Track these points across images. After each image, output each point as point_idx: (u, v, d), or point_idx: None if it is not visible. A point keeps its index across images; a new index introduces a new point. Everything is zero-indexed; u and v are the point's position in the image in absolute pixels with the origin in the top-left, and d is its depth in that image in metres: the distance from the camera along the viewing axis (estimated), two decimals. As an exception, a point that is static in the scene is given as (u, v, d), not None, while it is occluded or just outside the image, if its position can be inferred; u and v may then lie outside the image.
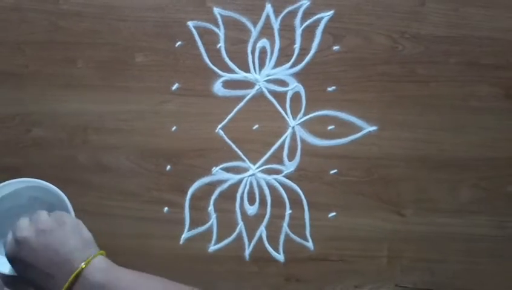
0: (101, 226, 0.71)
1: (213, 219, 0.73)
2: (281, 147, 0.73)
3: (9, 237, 0.51)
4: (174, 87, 0.72)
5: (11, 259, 0.50)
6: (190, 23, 0.72)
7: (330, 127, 0.73)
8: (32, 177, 0.58)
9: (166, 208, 0.73)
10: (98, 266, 0.48)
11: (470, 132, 0.73)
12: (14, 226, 0.51)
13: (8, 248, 0.50)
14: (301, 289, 0.73)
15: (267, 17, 0.72)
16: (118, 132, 0.72)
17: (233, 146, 0.73)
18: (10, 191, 0.57)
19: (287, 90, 0.73)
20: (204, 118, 0.73)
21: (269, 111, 0.73)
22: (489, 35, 0.73)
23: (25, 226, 0.50)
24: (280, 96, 0.73)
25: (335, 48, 0.73)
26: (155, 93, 0.72)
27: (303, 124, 0.73)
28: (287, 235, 0.73)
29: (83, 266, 0.47)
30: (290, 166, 0.73)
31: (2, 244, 0.57)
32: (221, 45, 0.73)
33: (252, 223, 0.73)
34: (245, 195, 0.73)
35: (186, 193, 0.73)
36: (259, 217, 0.73)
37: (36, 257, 0.48)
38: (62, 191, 0.56)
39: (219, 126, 0.73)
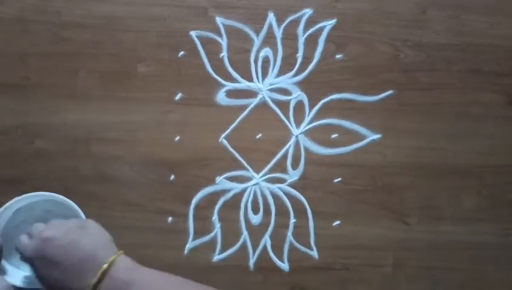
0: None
1: (217, 229, 0.73)
2: (285, 155, 0.73)
3: (28, 238, 0.50)
4: (177, 97, 0.72)
5: (34, 258, 0.49)
6: (192, 33, 0.72)
7: (333, 136, 0.73)
8: (36, 189, 0.58)
9: (170, 218, 0.72)
10: (123, 263, 0.49)
11: (473, 140, 0.73)
12: (31, 228, 0.51)
13: (32, 246, 0.49)
14: (305, 298, 0.73)
15: (270, 26, 0.72)
16: (121, 143, 0.72)
17: (237, 155, 0.73)
18: (25, 203, 0.57)
19: (291, 99, 0.73)
20: (208, 127, 0.72)
21: (273, 120, 0.73)
22: (491, 42, 0.74)
23: (51, 226, 0.50)
24: (283, 105, 0.73)
25: (338, 56, 0.73)
26: (158, 103, 0.72)
27: (307, 133, 0.73)
28: (291, 244, 0.73)
29: (111, 262, 0.48)
30: (294, 175, 0.73)
31: (18, 257, 0.57)
32: (224, 54, 0.72)
33: (256, 233, 0.73)
34: (249, 204, 0.73)
35: (189, 202, 0.72)
36: (264, 226, 0.73)
37: (63, 254, 0.48)
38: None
39: (223, 135, 0.73)
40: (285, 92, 0.73)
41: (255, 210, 0.73)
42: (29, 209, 0.58)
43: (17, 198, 0.55)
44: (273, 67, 0.73)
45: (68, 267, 0.47)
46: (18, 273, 0.56)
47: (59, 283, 0.48)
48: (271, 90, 0.73)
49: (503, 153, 0.73)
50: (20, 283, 0.53)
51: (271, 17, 0.72)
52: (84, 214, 0.56)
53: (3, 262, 0.55)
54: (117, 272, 0.48)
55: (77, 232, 0.50)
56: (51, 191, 0.61)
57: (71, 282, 0.47)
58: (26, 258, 0.50)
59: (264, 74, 0.73)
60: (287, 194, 0.73)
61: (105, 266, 0.48)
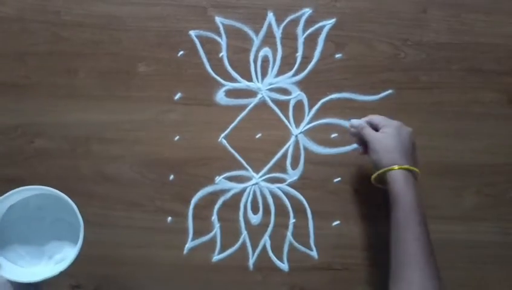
0: (104, 236, 0.71)
1: (216, 229, 0.72)
2: (284, 155, 0.73)
3: None
4: (177, 96, 0.72)
5: None
6: (192, 33, 0.72)
7: (333, 135, 0.73)
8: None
9: (169, 218, 0.72)
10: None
11: (473, 138, 0.73)
12: None
13: None
14: (305, 297, 0.73)
15: (269, 25, 0.72)
16: (121, 142, 0.72)
17: (237, 155, 0.73)
18: (19, 199, 0.57)
19: (290, 99, 0.73)
20: (207, 127, 0.72)
21: (272, 120, 0.73)
22: (491, 41, 0.73)
23: None
24: (283, 105, 0.73)
25: (337, 55, 0.73)
26: (157, 103, 0.72)
27: (306, 133, 0.73)
28: (291, 244, 0.73)
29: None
30: (293, 175, 0.73)
31: (14, 252, 0.57)
32: (223, 54, 0.72)
33: (255, 233, 0.73)
34: (248, 204, 0.73)
35: (189, 202, 0.72)
36: (263, 226, 0.73)
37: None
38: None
39: (222, 135, 0.73)
40: (284, 91, 0.73)
41: (255, 210, 0.73)
42: (23, 205, 0.58)
43: (8, 193, 0.55)
44: (273, 67, 0.73)
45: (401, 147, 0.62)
46: (14, 268, 0.56)
47: None
48: (270, 90, 0.73)
49: (504, 152, 0.73)
50: (16, 278, 0.53)
51: (270, 16, 0.72)
52: (77, 208, 0.56)
53: (0, 258, 0.55)
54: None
55: None
56: (33, 185, 0.60)
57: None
58: None
59: (264, 73, 0.73)
60: (286, 194, 0.73)
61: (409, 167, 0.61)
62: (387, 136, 0.62)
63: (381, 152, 0.62)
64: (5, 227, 0.56)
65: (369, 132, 0.64)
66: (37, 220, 0.59)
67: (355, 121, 0.66)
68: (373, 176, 0.63)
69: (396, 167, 0.60)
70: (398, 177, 0.60)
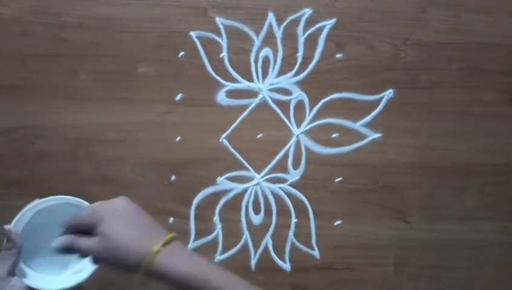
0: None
1: (218, 229, 0.72)
2: (286, 155, 0.73)
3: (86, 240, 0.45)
4: (177, 97, 0.72)
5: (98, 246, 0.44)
6: (192, 33, 0.72)
7: (334, 135, 0.73)
8: (37, 190, 0.58)
9: (171, 219, 0.72)
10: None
11: (474, 138, 0.73)
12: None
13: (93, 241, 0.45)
14: (307, 298, 0.73)
15: (270, 26, 0.72)
16: (122, 144, 0.72)
17: (238, 155, 0.73)
18: (46, 206, 0.57)
19: (291, 99, 0.73)
20: (208, 127, 0.72)
21: (273, 120, 0.73)
22: (491, 40, 0.73)
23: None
24: (284, 105, 0.73)
25: (338, 55, 0.73)
26: (158, 104, 0.72)
27: (307, 133, 0.73)
28: (293, 244, 0.73)
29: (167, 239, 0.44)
30: (295, 175, 0.73)
31: (36, 260, 0.57)
32: (224, 54, 0.72)
33: (257, 233, 0.73)
34: (250, 204, 0.73)
35: (190, 203, 0.72)
36: (265, 226, 0.73)
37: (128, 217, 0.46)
38: None
39: (224, 136, 0.73)
40: (285, 92, 0.73)
41: (256, 210, 0.73)
42: (49, 211, 0.57)
43: (38, 200, 0.55)
44: (273, 67, 0.73)
45: (140, 226, 0.45)
46: (35, 275, 0.56)
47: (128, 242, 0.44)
48: (271, 90, 0.73)
49: (505, 151, 0.73)
50: (37, 285, 0.53)
51: (271, 17, 0.72)
52: None
53: (22, 265, 0.55)
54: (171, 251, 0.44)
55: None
56: (52, 193, 0.60)
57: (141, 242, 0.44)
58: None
59: (264, 74, 0.73)
60: (288, 194, 0.73)
61: (166, 238, 0.44)
62: (109, 232, 0.44)
63: (117, 256, 0.44)
64: (29, 233, 0.56)
65: (86, 245, 0.45)
66: (59, 227, 0.59)
67: (58, 242, 0.48)
68: (139, 280, 0.45)
69: (153, 252, 0.43)
70: (167, 262, 0.43)
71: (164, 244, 0.44)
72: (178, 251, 0.44)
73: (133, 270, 0.44)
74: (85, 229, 0.46)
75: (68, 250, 0.47)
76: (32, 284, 0.53)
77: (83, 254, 0.46)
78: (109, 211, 0.46)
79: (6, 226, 0.52)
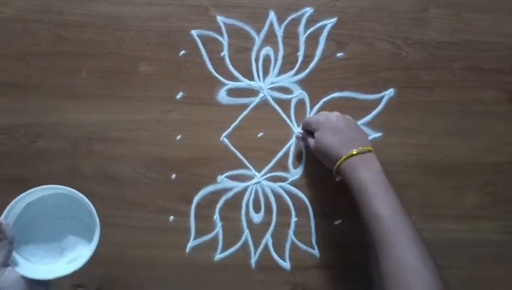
0: (106, 236, 0.70)
1: (218, 228, 0.73)
2: (286, 154, 0.73)
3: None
4: (178, 96, 0.72)
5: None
6: (193, 32, 0.72)
7: (334, 134, 0.73)
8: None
9: (171, 217, 0.72)
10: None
11: (475, 137, 0.73)
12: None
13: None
14: (307, 296, 0.73)
15: (271, 24, 0.72)
16: (123, 142, 0.72)
17: (238, 154, 0.73)
18: (36, 197, 0.57)
19: (292, 98, 0.73)
20: (209, 126, 0.73)
21: (274, 119, 0.73)
22: (492, 40, 0.73)
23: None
24: (284, 104, 0.73)
25: (339, 54, 0.73)
26: (159, 102, 0.72)
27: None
28: (293, 242, 0.73)
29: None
30: (295, 173, 0.73)
31: (29, 249, 0.58)
32: (225, 53, 0.73)
33: (257, 231, 0.73)
34: (250, 203, 0.73)
35: (191, 201, 0.72)
36: (265, 225, 0.73)
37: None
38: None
39: (224, 134, 0.73)
40: (286, 90, 0.73)
41: (257, 209, 0.73)
42: (40, 203, 0.58)
43: (28, 191, 0.56)
44: (274, 66, 0.73)
45: (343, 137, 0.63)
46: (28, 265, 0.57)
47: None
48: (272, 89, 0.73)
49: (505, 150, 0.73)
50: (31, 274, 0.54)
51: (272, 15, 0.72)
52: (95, 208, 0.57)
53: (15, 254, 0.56)
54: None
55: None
56: (53, 185, 0.60)
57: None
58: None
59: (265, 72, 0.73)
60: (288, 192, 0.73)
61: (360, 149, 0.62)
62: (321, 138, 0.64)
63: (324, 156, 0.64)
64: (22, 224, 0.57)
65: (308, 143, 0.68)
66: (53, 218, 0.59)
67: (298, 134, 0.72)
68: (336, 174, 0.64)
69: (342, 158, 0.61)
70: (347, 167, 0.61)
71: (355, 155, 0.61)
72: (363, 163, 0.60)
73: (331, 167, 0.64)
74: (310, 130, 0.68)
75: (303, 139, 0.71)
76: (27, 274, 0.53)
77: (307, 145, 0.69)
78: (325, 122, 0.65)
79: None
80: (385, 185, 0.58)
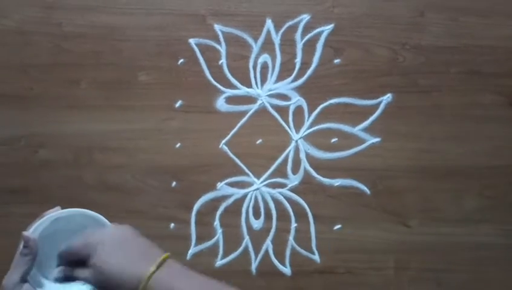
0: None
1: (219, 234, 0.73)
2: (285, 160, 0.74)
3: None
4: (177, 104, 0.73)
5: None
6: (191, 41, 0.73)
7: (333, 140, 0.73)
8: (40, 198, 0.58)
9: (172, 224, 0.73)
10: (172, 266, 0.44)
11: (473, 141, 0.73)
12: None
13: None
14: (308, 301, 0.73)
15: (268, 32, 0.73)
16: (123, 151, 0.73)
17: (238, 161, 0.73)
18: (65, 215, 0.58)
19: (290, 104, 0.74)
20: (208, 134, 0.73)
21: (272, 125, 0.73)
22: (489, 43, 0.73)
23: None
24: (283, 111, 0.74)
25: (336, 61, 0.73)
26: (158, 111, 0.73)
27: (306, 138, 0.73)
28: (293, 248, 0.73)
29: (162, 260, 0.44)
30: (294, 179, 0.74)
31: (51, 264, 0.58)
32: (223, 61, 0.73)
33: (258, 237, 0.73)
34: (250, 209, 0.73)
35: (191, 208, 0.73)
36: (265, 231, 0.73)
37: (119, 247, 0.45)
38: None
39: (223, 142, 0.73)
40: (284, 97, 0.74)
41: (256, 215, 0.73)
42: (67, 221, 0.58)
43: (59, 210, 0.56)
44: (272, 73, 0.73)
45: (130, 252, 0.45)
46: (48, 284, 0.57)
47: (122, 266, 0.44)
48: (270, 96, 0.73)
49: (504, 154, 0.73)
50: None
51: (269, 23, 0.73)
52: None
53: (35, 272, 0.55)
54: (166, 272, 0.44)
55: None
56: (55, 201, 0.61)
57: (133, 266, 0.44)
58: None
59: (263, 79, 0.73)
60: (288, 198, 0.73)
61: (159, 259, 0.44)
62: (102, 262, 0.44)
63: (114, 285, 0.44)
64: (44, 241, 0.57)
65: (82, 276, 0.46)
66: (75, 237, 0.59)
67: (57, 273, 0.49)
68: None
69: (147, 275, 0.42)
70: (161, 283, 0.43)
71: (158, 267, 0.43)
72: (174, 271, 0.44)
73: None
74: (80, 260, 0.46)
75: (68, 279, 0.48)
76: None
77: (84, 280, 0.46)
78: (100, 241, 0.46)
79: (25, 233, 0.52)
80: (217, 284, 0.46)
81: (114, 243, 0.46)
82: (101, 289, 0.45)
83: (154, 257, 0.44)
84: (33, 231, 0.54)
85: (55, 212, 0.55)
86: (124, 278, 0.43)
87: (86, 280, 0.46)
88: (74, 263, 0.48)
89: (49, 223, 0.57)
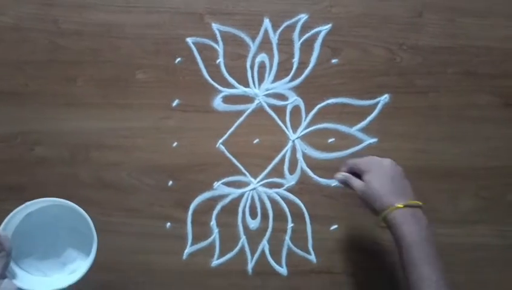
0: (103, 242, 0.71)
1: (215, 234, 0.73)
2: (282, 160, 0.73)
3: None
4: (174, 103, 0.73)
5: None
6: (189, 40, 0.73)
7: (330, 140, 0.73)
8: (36, 196, 0.58)
9: (168, 224, 0.73)
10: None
11: (470, 142, 0.74)
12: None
13: None
14: (304, 301, 0.73)
15: (266, 31, 0.73)
16: (120, 149, 0.73)
17: (234, 161, 0.73)
18: (36, 208, 0.58)
19: (287, 104, 0.73)
20: (205, 133, 0.73)
21: (269, 125, 0.73)
22: (486, 44, 0.74)
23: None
24: (280, 110, 0.73)
25: (334, 60, 0.73)
26: (155, 110, 0.73)
27: (303, 138, 0.73)
28: (289, 248, 0.73)
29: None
30: (291, 179, 0.73)
31: (28, 261, 0.58)
32: (220, 60, 0.73)
33: (254, 237, 0.73)
34: (247, 209, 0.73)
35: (188, 208, 0.73)
36: (262, 231, 0.73)
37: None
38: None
39: (220, 141, 0.73)
40: (281, 97, 0.74)
41: (253, 215, 0.73)
42: (40, 214, 0.58)
43: (27, 203, 0.56)
44: (269, 73, 0.73)
45: (395, 186, 0.59)
46: (27, 277, 0.57)
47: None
48: (267, 95, 0.73)
49: (500, 155, 0.73)
50: (28, 287, 0.54)
51: (266, 22, 0.73)
52: (92, 215, 0.57)
53: (13, 266, 0.56)
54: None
55: None
56: (50, 197, 0.61)
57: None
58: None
59: (261, 79, 0.73)
60: (284, 198, 0.73)
61: (408, 202, 0.57)
62: (371, 182, 0.59)
63: (371, 201, 0.59)
64: (21, 236, 0.57)
65: (355, 184, 0.61)
66: (52, 229, 0.60)
67: (339, 175, 0.64)
68: (378, 222, 0.59)
69: (391, 207, 0.57)
70: (397, 218, 0.56)
71: (404, 207, 0.57)
72: (410, 217, 0.56)
73: (377, 214, 0.58)
74: (357, 172, 0.62)
75: (344, 183, 0.63)
76: (24, 286, 0.54)
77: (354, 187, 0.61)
78: (377, 166, 0.61)
79: None
80: (431, 245, 0.56)
81: (387, 173, 0.60)
82: (362, 199, 0.60)
83: (407, 197, 0.58)
84: (4, 227, 0.54)
85: (23, 205, 0.56)
86: (380, 200, 0.58)
87: (356, 189, 0.61)
88: (352, 173, 0.63)
89: (22, 218, 0.57)
